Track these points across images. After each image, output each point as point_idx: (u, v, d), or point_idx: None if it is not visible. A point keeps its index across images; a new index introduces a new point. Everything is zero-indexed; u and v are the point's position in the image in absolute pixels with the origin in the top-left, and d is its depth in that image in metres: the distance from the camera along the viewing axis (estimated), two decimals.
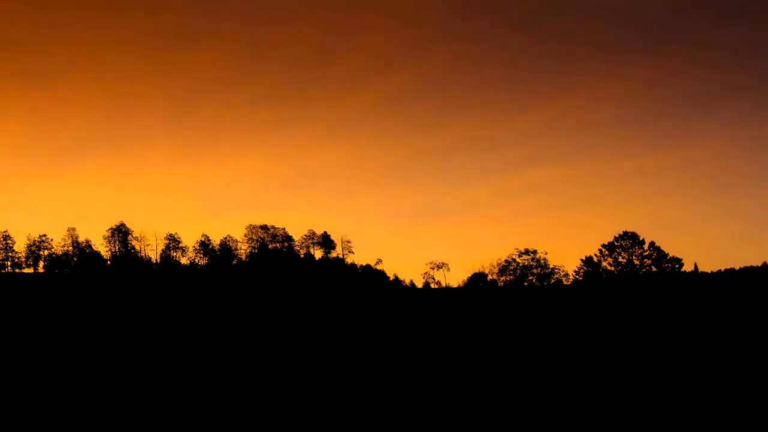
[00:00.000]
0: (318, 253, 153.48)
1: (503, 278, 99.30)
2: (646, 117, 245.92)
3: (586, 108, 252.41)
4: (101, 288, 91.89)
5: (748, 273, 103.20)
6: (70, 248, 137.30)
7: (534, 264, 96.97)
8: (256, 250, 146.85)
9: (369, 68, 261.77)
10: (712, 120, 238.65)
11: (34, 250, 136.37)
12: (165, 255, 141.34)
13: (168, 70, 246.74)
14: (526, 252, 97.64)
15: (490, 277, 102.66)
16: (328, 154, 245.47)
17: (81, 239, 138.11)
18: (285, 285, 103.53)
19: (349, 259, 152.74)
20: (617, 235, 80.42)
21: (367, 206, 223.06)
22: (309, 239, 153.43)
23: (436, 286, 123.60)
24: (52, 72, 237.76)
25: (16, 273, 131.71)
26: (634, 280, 76.38)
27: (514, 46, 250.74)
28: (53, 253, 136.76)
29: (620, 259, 79.60)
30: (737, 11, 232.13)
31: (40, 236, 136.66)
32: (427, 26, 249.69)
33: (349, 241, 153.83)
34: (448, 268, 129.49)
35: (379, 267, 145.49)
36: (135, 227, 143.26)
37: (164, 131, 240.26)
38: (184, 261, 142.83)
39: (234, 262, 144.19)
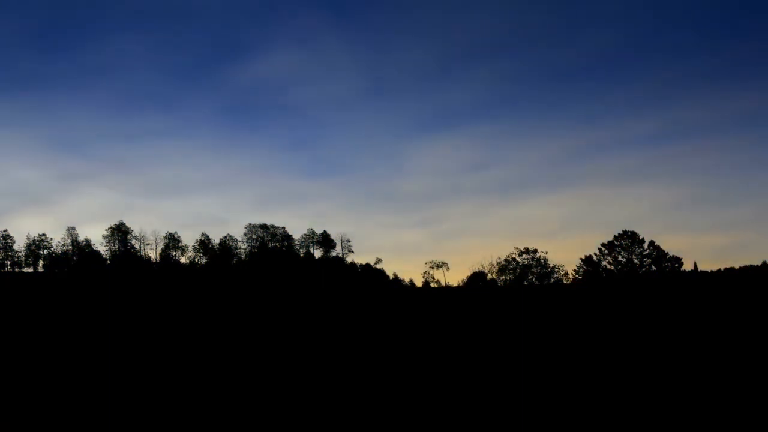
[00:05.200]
0: (318, 253, 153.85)
1: (503, 277, 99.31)
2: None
3: None
4: (101, 287, 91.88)
5: (748, 273, 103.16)
6: (70, 247, 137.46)
7: (534, 263, 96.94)
8: (255, 250, 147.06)
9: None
10: (708, 116, 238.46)
11: (34, 249, 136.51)
12: (165, 254, 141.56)
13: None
14: (526, 251, 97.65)
15: (489, 276, 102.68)
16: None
17: (80, 238, 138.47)
18: (285, 284, 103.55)
19: (348, 259, 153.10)
20: (617, 234, 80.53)
21: (367, 205, 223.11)
22: (309, 238, 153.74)
23: (436, 286, 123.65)
24: None
25: (16, 272, 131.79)
26: (633, 279, 76.43)
27: None
28: (53, 253, 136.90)
29: (620, 258, 79.65)
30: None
31: (39, 235, 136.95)
32: None
33: (348, 241, 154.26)
34: (448, 267, 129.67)
35: (378, 266, 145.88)
36: (135, 227, 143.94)
37: (165, 129, 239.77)
38: (183, 260, 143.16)
39: (234, 261, 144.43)
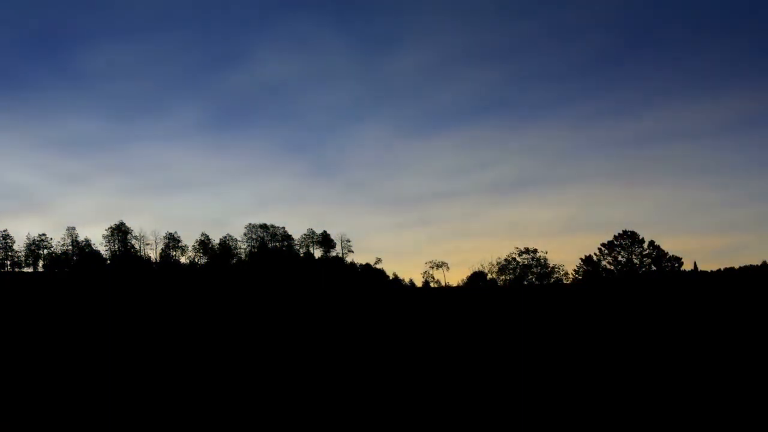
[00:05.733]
0: (318, 253, 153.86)
1: (503, 277, 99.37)
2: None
3: None
4: (101, 287, 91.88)
5: (748, 273, 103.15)
6: (70, 247, 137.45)
7: (534, 263, 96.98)
8: (255, 250, 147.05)
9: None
10: (708, 117, 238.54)
11: (34, 249, 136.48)
12: (165, 254, 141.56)
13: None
14: (526, 251, 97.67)
15: (489, 276, 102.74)
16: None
17: (80, 239, 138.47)
18: (285, 284, 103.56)
19: (348, 259, 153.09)
20: (617, 234, 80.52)
21: (367, 205, 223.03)
22: (308, 238, 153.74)
23: (436, 286, 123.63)
24: None
25: (16, 272, 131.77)
26: (633, 279, 76.43)
27: None
28: (53, 253, 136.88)
29: (620, 258, 79.65)
30: None
31: (39, 235, 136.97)
32: None
33: (348, 241, 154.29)
34: (448, 267, 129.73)
35: (378, 266, 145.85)
36: (134, 227, 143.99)
37: (166, 130, 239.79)
38: (183, 260, 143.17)
39: (234, 261, 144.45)
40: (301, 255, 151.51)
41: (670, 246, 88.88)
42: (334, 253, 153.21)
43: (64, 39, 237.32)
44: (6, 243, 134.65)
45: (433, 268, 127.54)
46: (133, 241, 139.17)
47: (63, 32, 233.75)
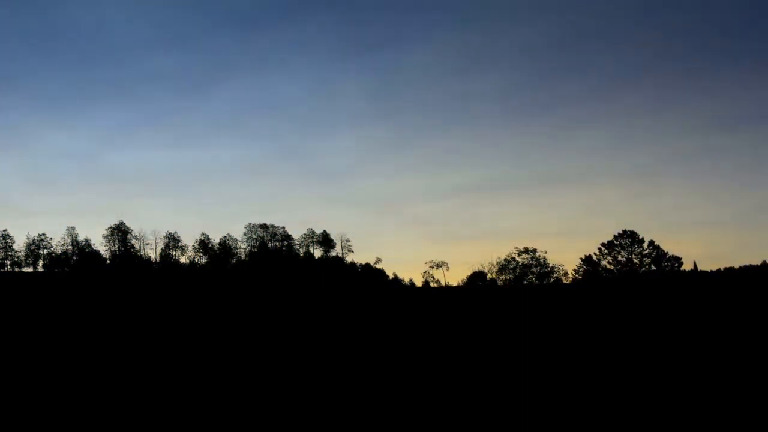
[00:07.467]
0: (317, 252, 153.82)
1: (503, 277, 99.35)
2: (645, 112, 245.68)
3: None
4: (101, 287, 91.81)
5: (748, 273, 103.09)
6: (70, 247, 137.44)
7: (533, 263, 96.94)
8: (255, 250, 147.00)
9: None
10: (707, 117, 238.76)
11: (34, 249, 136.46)
12: (165, 254, 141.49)
13: None
14: (526, 251, 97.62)
15: (489, 276, 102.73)
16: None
17: (80, 238, 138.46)
18: (285, 284, 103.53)
19: (348, 258, 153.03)
20: (617, 234, 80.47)
21: (367, 205, 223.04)
22: (308, 238, 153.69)
23: (436, 285, 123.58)
24: None
25: (16, 272, 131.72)
26: (633, 279, 76.41)
27: None
28: (53, 252, 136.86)
29: (620, 258, 79.63)
30: None
31: (39, 235, 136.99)
32: None
33: (348, 240, 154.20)
34: (448, 267, 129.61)
35: (378, 266, 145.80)
36: (134, 226, 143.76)
37: (166, 131, 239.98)
38: (183, 260, 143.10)
39: (233, 261, 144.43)
40: (301, 255, 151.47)
41: (670, 246, 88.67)
42: (334, 253, 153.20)
43: (79, 45, 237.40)
44: (6, 243, 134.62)
45: (433, 267, 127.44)
46: (133, 241, 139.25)
47: (81, 37, 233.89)
